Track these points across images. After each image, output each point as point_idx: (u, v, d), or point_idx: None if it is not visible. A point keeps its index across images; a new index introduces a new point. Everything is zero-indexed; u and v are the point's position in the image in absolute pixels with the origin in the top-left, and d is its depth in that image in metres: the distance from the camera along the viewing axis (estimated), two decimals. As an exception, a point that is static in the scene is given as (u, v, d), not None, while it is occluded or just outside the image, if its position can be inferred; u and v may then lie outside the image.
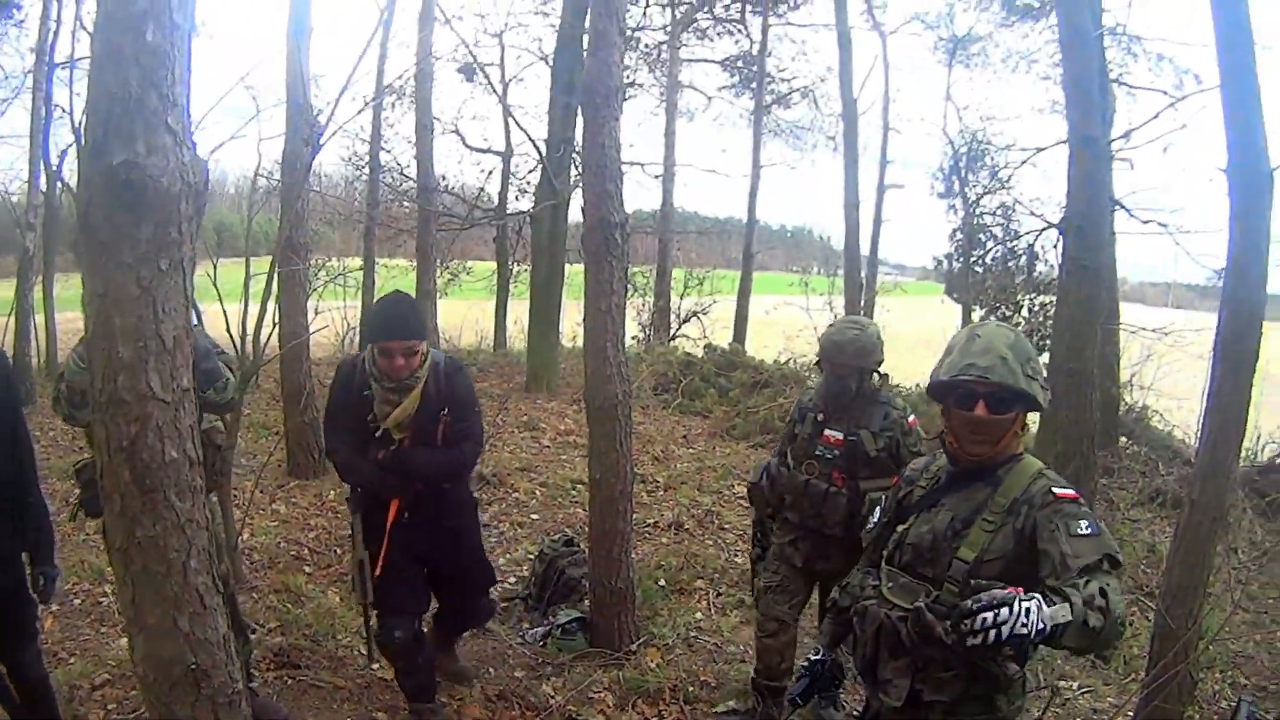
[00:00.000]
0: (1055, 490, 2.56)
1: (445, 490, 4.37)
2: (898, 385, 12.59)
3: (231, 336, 6.61)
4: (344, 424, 4.21)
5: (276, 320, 8.23)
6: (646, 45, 20.00)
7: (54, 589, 3.77)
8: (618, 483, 5.22)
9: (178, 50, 2.37)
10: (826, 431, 4.37)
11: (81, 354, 3.18)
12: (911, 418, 4.36)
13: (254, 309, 8.10)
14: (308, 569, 6.34)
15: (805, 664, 3.17)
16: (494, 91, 16.55)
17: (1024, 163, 16.19)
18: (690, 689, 4.86)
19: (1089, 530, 2.47)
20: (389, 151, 17.90)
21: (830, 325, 4.54)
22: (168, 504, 2.40)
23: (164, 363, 2.35)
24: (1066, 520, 2.49)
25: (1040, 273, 15.79)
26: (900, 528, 2.87)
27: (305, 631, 5.29)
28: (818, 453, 4.39)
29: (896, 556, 2.82)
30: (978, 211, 17.34)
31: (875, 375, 4.40)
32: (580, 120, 13.68)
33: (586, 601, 5.61)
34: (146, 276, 2.31)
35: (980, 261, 17.08)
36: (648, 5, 19.08)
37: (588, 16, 5.19)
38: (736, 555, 7.11)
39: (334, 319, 16.43)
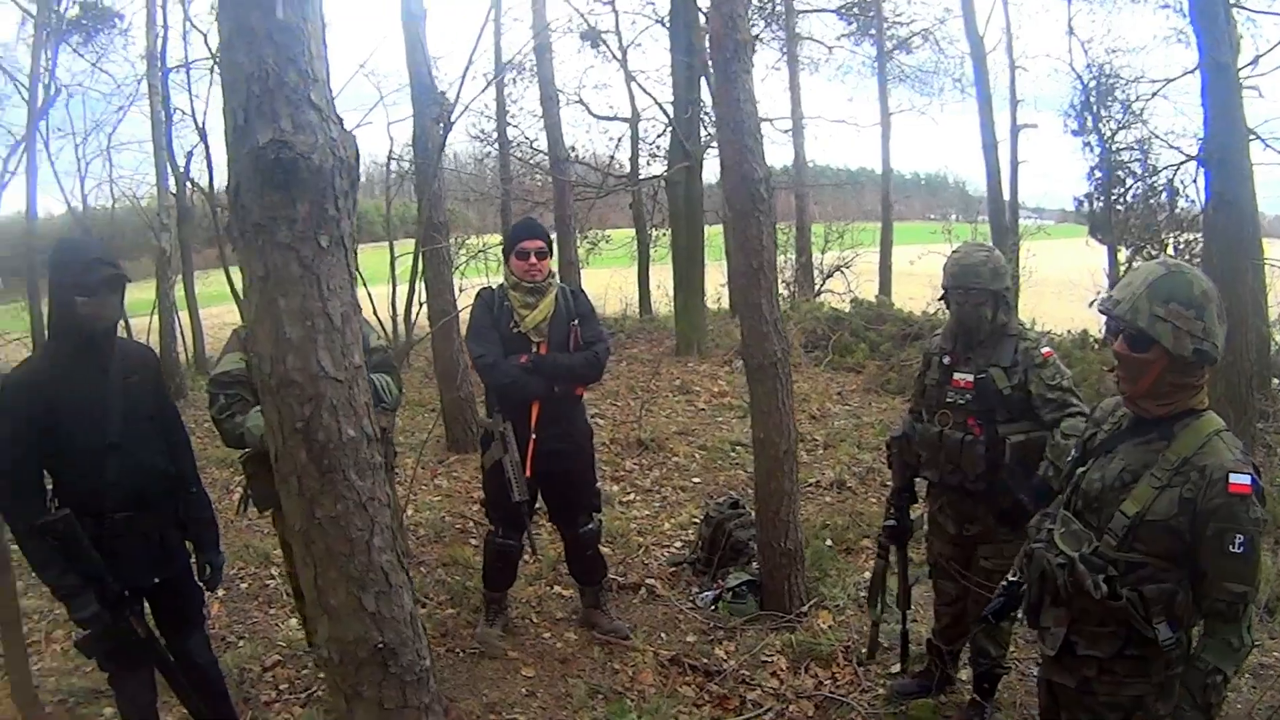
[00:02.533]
0: (1232, 480, 2.38)
1: (572, 410, 4.90)
2: (1049, 331, 12.05)
3: (379, 319, 6.75)
4: (488, 334, 4.71)
5: (424, 300, 8.37)
6: (760, -1, 19.50)
7: (220, 576, 3.87)
8: (782, 442, 5.11)
9: (311, 25, 2.32)
10: (956, 375, 3.96)
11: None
12: (1046, 349, 3.89)
13: (400, 291, 8.27)
14: (473, 541, 6.39)
15: (1005, 584, 3.03)
16: (615, 58, 16.46)
17: (1155, 94, 15.34)
18: (863, 650, 4.72)
19: (1241, 549, 2.39)
20: (515, 126, 18.08)
21: (954, 251, 4.04)
22: (347, 483, 2.38)
23: (334, 341, 2.32)
24: (1226, 531, 2.38)
25: (1182, 209, 14.77)
26: (1079, 470, 2.75)
27: (475, 603, 5.33)
28: (949, 399, 3.98)
29: (1073, 501, 2.72)
30: (1114, 148, 16.43)
31: (1004, 307, 3.95)
32: (705, 80, 13.71)
33: (755, 564, 5.53)
34: (308, 255, 2.27)
35: (1121, 200, 16.16)
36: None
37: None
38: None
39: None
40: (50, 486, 3.41)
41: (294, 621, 5.07)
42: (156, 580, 3.56)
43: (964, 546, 4.09)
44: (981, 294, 3.84)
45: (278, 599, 5.74)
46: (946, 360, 4.03)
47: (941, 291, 4.03)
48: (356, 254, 2.42)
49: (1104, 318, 2.63)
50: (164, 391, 3.79)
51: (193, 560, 3.77)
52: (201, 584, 3.78)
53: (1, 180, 12.01)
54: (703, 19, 13.87)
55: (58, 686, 4.77)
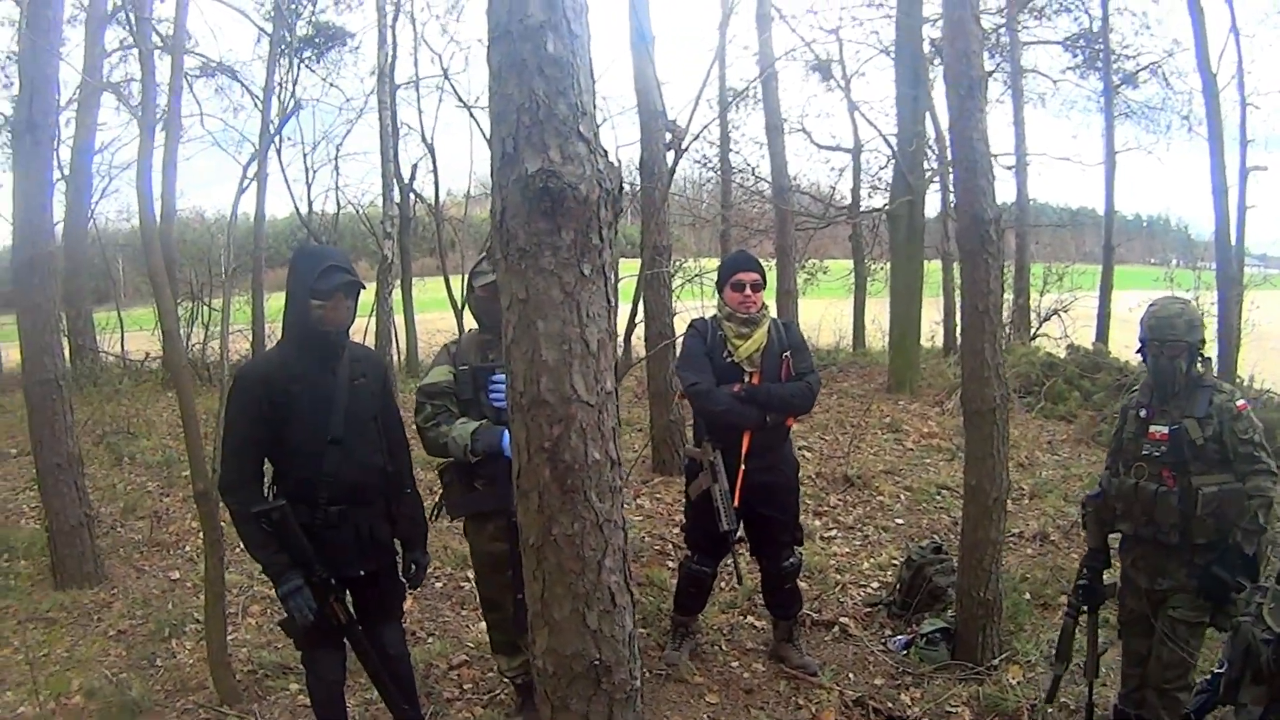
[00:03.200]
0: None
1: (781, 442, 4.93)
2: (1269, 391, 11.52)
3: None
4: (701, 363, 4.73)
5: (638, 320, 8.48)
6: (984, 29, 18.77)
7: (423, 575, 4.04)
8: (993, 490, 4.96)
9: (580, 59, 2.38)
10: (1151, 428, 4.00)
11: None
12: (1241, 401, 3.89)
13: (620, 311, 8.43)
14: (670, 564, 6.46)
15: (1210, 676, 2.90)
16: (839, 86, 16.36)
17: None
18: (1048, 710, 4.55)
19: None
20: (737, 153, 18.16)
21: (1151, 304, 4.09)
22: (587, 504, 2.45)
23: (588, 366, 2.38)
24: None
25: None
26: None
27: (666, 625, 5.36)
28: (1145, 452, 4.02)
29: None
30: (1345, 194, 15.14)
31: (1200, 359, 3.99)
32: (930, 113, 13.44)
33: (951, 611, 5.39)
34: (569, 282, 2.34)
35: (1349, 250, 14.93)
36: (982, -12, 17.94)
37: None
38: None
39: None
40: (270, 474, 3.63)
41: (484, 625, 5.22)
42: (363, 572, 3.73)
43: (1155, 600, 4.08)
44: (1177, 346, 3.90)
45: (470, 601, 5.92)
46: (1143, 414, 4.08)
47: (1139, 344, 4.09)
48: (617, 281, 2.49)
49: None
50: (389, 395, 4.00)
51: (399, 556, 3.94)
52: (404, 580, 3.95)
53: (241, 186, 12.96)
54: (927, 46, 13.68)
55: (249, 658, 5.11)
